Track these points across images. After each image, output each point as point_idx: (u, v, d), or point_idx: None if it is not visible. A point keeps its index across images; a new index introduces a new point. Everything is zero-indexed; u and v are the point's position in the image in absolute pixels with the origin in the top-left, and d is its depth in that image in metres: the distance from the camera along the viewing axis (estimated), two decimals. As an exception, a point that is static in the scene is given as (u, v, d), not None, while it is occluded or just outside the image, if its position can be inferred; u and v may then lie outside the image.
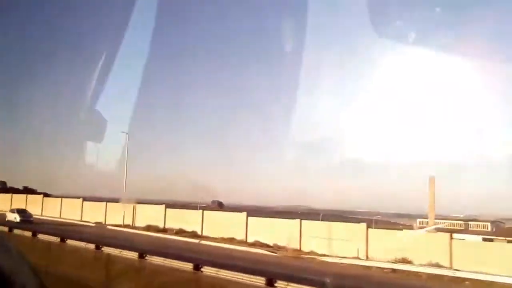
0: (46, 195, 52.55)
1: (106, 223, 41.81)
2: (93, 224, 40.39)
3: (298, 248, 28.00)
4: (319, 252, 26.77)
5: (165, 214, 37.06)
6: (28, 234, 23.31)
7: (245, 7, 55.30)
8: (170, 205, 48.65)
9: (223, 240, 31.08)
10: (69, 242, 20.62)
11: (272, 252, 26.12)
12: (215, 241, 30.78)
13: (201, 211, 35.13)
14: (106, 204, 42.83)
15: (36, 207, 50.13)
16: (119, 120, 72.27)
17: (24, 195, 54.91)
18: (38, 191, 66.32)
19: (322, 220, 39.69)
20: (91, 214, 43.79)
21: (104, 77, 31.81)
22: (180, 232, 33.98)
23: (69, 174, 56.71)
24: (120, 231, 35.33)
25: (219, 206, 72.96)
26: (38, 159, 79.75)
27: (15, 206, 53.24)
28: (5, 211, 41.50)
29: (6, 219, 37.31)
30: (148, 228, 35.96)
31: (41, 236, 21.94)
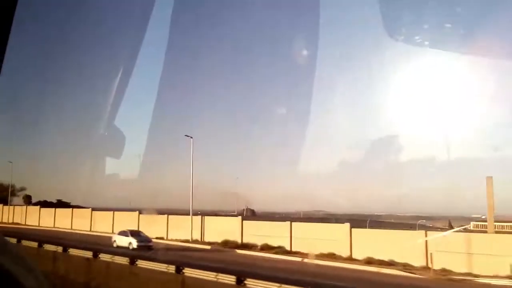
0: (92, 208, 48.81)
1: (168, 238, 37.83)
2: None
3: (425, 265, 23.44)
4: (456, 270, 22.14)
5: (242, 227, 32.77)
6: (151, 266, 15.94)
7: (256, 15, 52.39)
8: (206, 214, 44.94)
9: (324, 256, 26.66)
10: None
11: (407, 272, 21.55)
12: (316, 259, 26.38)
13: (288, 223, 30.71)
14: (168, 217, 38.78)
15: (85, 222, 46.52)
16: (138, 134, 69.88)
17: (69, 209, 51.34)
18: (72, 204, 63.62)
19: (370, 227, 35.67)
20: (149, 228, 39.77)
21: (123, 88, 28.46)
22: (266, 248, 29.66)
23: (96, 186, 53.59)
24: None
25: (252, 214, 68.77)
26: (60, 172, 77.73)
27: (62, 220, 49.74)
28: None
29: (116, 245, 29.11)
30: (226, 244, 31.70)
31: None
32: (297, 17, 47.06)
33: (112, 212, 44.67)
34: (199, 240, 35.15)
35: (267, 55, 58.81)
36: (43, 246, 21.82)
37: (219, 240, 33.39)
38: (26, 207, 58.79)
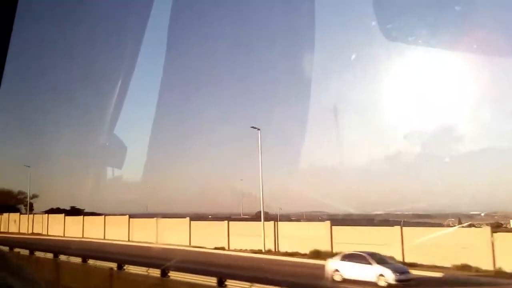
0: (130, 215, 43.05)
1: (230, 247, 32.24)
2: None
3: None
4: None
5: (331, 234, 27.18)
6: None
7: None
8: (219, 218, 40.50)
9: (461, 269, 21.18)
10: None
11: None
12: (445, 271, 20.92)
13: (397, 227, 25.18)
14: (228, 223, 33.15)
15: (121, 230, 40.77)
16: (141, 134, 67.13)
17: (100, 217, 45.50)
18: (86, 211, 58.64)
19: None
20: (204, 237, 34.17)
21: (125, 90, 29.21)
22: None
23: (108, 192, 50.04)
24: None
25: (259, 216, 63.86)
26: (68, 179, 74.34)
27: (92, 229, 43.87)
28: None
29: (341, 278, 18.43)
30: (317, 254, 26.09)
31: None
32: (295, 15, 45.85)
33: (154, 219, 38.93)
34: (273, 250, 29.59)
35: (267, 52, 58.26)
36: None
37: (300, 250, 27.88)
38: (48, 216, 52.95)
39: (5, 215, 59.17)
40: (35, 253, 22.54)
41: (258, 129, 30.36)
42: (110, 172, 40.55)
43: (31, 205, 75.40)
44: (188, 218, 35.74)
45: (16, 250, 23.75)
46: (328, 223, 27.65)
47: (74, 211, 57.35)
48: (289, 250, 28.60)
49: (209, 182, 69.15)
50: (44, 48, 56.45)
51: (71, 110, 61.55)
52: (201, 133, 70.00)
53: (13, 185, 74.11)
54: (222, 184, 71.03)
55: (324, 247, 26.99)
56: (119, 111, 28.33)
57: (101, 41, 52.18)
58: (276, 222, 30.03)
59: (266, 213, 65.74)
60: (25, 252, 23.44)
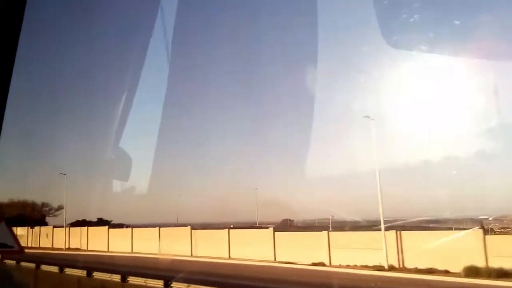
0: (192, 227, 37.43)
1: (332, 263, 26.59)
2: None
3: None
4: None
5: (485, 245, 21.34)
6: None
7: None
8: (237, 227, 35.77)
9: None
10: None
11: None
12: None
13: None
14: (328, 233, 27.41)
15: (180, 244, 35.13)
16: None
17: (154, 229, 39.84)
18: (113, 222, 53.62)
19: None
20: (287, 250, 28.66)
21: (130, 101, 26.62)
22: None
23: (131, 202, 46.70)
24: None
25: (290, 225, 58.16)
26: (87, 190, 71.03)
27: (144, 244, 38.17)
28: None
29: None
30: (475, 272, 20.30)
31: None
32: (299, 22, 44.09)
33: (224, 230, 33.34)
34: (397, 266, 23.87)
35: (272, 63, 57.34)
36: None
37: (436, 265, 22.18)
38: (88, 229, 47.48)
39: (36, 228, 53.87)
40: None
41: (372, 119, 24.86)
42: (131, 183, 36.40)
43: (44, 217, 70.44)
44: (271, 229, 30.19)
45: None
46: (479, 231, 21.89)
47: (102, 223, 52.33)
48: (420, 266, 22.90)
49: (222, 191, 67.13)
50: (54, 56, 55.11)
51: (85, 118, 59.10)
52: (209, 143, 68.94)
53: (35, 197, 69.67)
54: (236, 193, 68.09)
55: (474, 261, 21.25)
56: (125, 121, 25.84)
57: (105, 52, 51.31)
58: (399, 232, 24.29)
59: (291, 221, 60.24)
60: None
